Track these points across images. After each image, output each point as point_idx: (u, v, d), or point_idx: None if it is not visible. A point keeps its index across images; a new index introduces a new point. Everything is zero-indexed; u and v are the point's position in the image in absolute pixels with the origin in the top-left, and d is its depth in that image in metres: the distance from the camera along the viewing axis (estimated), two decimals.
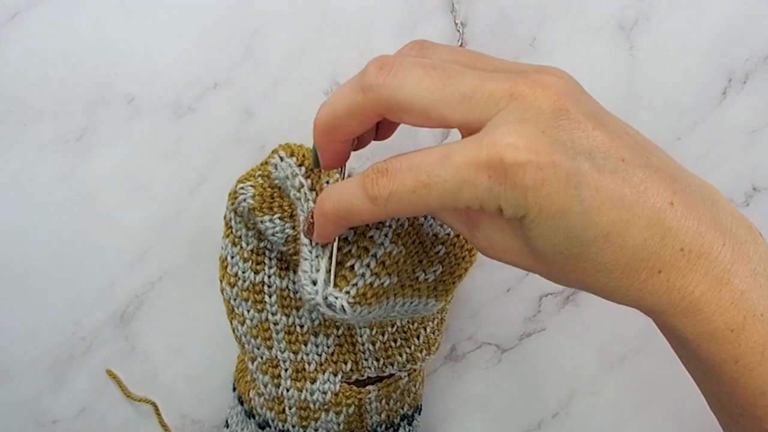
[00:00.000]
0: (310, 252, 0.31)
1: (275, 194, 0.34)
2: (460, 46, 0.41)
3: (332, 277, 0.30)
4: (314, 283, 0.30)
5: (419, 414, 0.42)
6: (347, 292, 0.30)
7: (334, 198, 0.25)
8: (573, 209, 0.22)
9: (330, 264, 0.30)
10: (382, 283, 0.31)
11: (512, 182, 0.21)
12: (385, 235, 0.32)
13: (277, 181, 0.34)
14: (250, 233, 0.36)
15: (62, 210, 0.42)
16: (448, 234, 0.35)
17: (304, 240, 0.31)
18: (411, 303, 0.34)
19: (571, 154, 0.21)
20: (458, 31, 0.41)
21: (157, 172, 0.42)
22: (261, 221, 0.34)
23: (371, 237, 0.31)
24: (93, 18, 0.40)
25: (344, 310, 0.30)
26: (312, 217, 0.28)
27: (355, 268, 0.30)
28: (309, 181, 0.33)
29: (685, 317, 0.23)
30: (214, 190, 0.41)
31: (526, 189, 0.21)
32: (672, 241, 0.22)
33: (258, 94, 0.41)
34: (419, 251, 0.34)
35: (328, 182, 0.33)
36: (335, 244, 0.30)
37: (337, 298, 0.30)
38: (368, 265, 0.31)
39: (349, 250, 0.31)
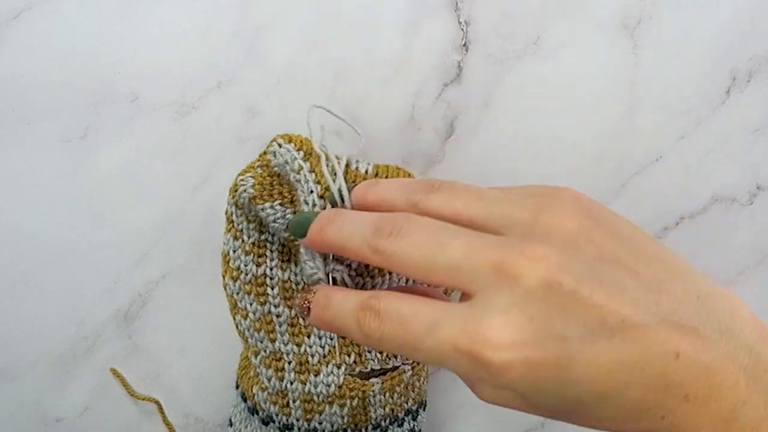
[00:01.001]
0: None
1: (274, 182, 0.35)
2: (464, 45, 0.41)
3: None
4: (313, 259, 0.31)
5: (424, 410, 0.42)
6: (348, 266, 0.30)
7: (332, 314, 0.26)
8: (565, 384, 0.21)
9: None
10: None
11: (495, 375, 0.21)
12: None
13: (276, 169, 0.35)
14: (251, 226, 0.36)
15: (65, 209, 0.42)
16: None
17: None
18: (407, 283, 0.34)
19: (562, 336, 0.21)
20: (462, 30, 0.41)
21: (161, 170, 0.42)
22: (262, 209, 0.34)
23: None
24: (96, 17, 0.40)
25: (345, 283, 0.30)
26: (309, 303, 0.28)
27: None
28: (308, 163, 0.33)
29: None
30: (218, 189, 0.41)
31: (512, 381, 0.21)
32: (676, 390, 0.22)
33: (261, 93, 0.41)
34: None
35: (327, 166, 0.33)
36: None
37: (338, 270, 0.30)
38: None
39: None
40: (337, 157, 0.35)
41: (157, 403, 0.44)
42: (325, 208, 0.31)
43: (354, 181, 0.34)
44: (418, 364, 0.40)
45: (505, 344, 0.21)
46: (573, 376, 0.21)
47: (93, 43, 0.40)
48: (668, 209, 0.44)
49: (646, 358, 0.21)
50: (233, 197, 0.36)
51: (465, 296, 0.23)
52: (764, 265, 0.45)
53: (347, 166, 0.34)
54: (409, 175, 0.36)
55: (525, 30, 0.41)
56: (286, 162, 0.33)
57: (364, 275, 0.31)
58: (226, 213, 0.37)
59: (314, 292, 0.28)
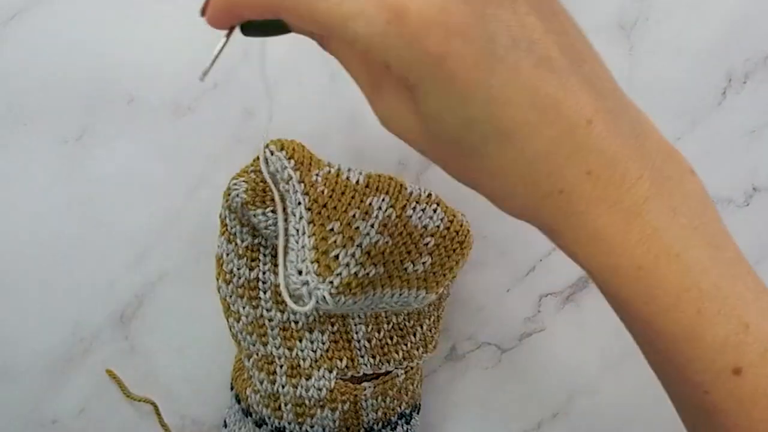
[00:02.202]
0: (297, 242, 0.31)
1: (267, 188, 0.35)
2: None
3: (209, 66, 0.26)
4: (300, 272, 0.30)
5: (418, 413, 0.42)
6: (330, 282, 0.30)
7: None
8: (477, 95, 0.19)
9: (327, 263, 0.30)
10: (368, 274, 0.31)
11: (410, 39, 0.18)
12: (371, 226, 0.32)
13: (269, 175, 0.35)
14: (244, 230, 0.36)
15: (62, 210, 0.42)
16: (438, 226, 0.35)
17: (292, 231, 0.32)
18: (400, 294, 0.34)
19: (491, 33, 0.18)
20: None
21: (157, 172, 0.42)
22: (254, 215, 0.34)
23: (357, 227, 0.32)
24: (93, 18, 0.40)
25: (326, 300, 0.30)
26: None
27: (340, 258, 0.31)
28: (298, 173, 0.33)
29: (586, 246, 0.21)
30: (214, 190, 0.41)
31: (425, 53, 0.18)
32: (579, 161, 0.20)
33: (257, 94, 0.41)
34: (407, 242, 0.34)
35: (317, 174, 0.33)
36: (223, 41, 0.27)
37: (318, 288, 0.30)
38: (353, 255, 0.31)
39: (334, 241, 0.31)
40: (329, 165, 0.35)
41: (153, 404, 0.44)
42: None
43: (344, 192, 0.34)
44: (412, 368, 0.40)
45: (435, 3, 0.18)
46: (486, 90, 0.19)
47: (90, 44, 0.40)
48: None
49: (560, 108, 0.19)
50: (227, 201, 0.36)
51: None
52: (761, 266, 0.45)
53: (338, 174, 0.34)
54: (401, 184, 0.36)
55: None
56: (277, 170, 0.33)
57: (345, 293, 0.31)
58: (220, 216, 0.37)
59: None
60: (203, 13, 0.24)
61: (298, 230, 0.32)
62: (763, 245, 0.45)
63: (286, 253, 0.36)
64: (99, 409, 0.44)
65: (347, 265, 0.31)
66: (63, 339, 0.43)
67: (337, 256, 0.31)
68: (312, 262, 0.31)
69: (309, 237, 0.31)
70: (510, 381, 0.46)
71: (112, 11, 0.39)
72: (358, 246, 0.31)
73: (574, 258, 0.22)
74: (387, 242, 0.32)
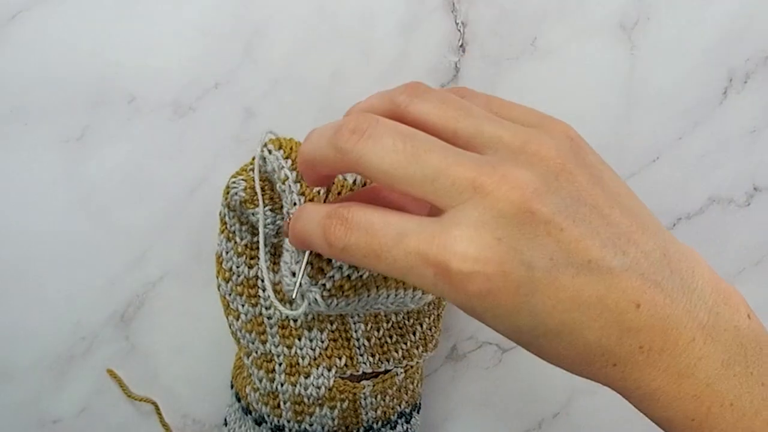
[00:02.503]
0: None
1: (265, 187, 0.35)
2: (461, 46, 0.41)
3: (299, 277, 0.29)
4: (293, 274, 0.30)
5: (418, 412, 0.42)
6: (323, 285, 0.30)
7: (302, 224, 0.26)
8: (522, 312, 0.21)
9: (305, 261, 0.30)
10: (361, 276, 0.31)
11: (457, 288, 0.21)
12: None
13: (266, 174, 0.35)
14: (243, 228, 0.36)
15: (62, 209, 0.42)
16: None
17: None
18: (396, 295, 0.34)
19: (527, 263, 0.21)
20: (459, 30, 0.41)
21: (158, 171, 0.42)
22: (252, 213, 0.34)
23: None
24: (94, 18, 0.40)
25: (317, 302, 0.30)
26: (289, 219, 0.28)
27: (333, 260, 0.30)
28: (294, 173, 0.33)
29: (640, 402, 0.23)
30: (215, 190, 0.41)
31: (471, 296, 0.21)
32: (630, 340, 0.22)
33: (259, 94, 0.41)
34: None
35: None
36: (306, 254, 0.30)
37: (310, 291, 0.30)
38: None
39: None
40: None
41: (154, 404, 0.44)
42: None
43: (340, 192, 0.33)
44: (412, 367, 0.40)
45: (471, 257, 0.21)
46: (531, 307, 0.21)
47: (90, 43, 0.40)
48: (665, 210, 0.44)
49: (605, 302, 0.21)
50: (226, 199, 0.36)
51: (435, 211, 0.22)
52: (761, 265, 0.45)
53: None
54: None
55: (522, 31, 0.41)
56: (274, 170, 0.33)
57: (338, 296, 0.31)
58: (219, 214, 0.37)
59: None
60: (285, 234, 0.28)
61: None
62: (763, 245, 0.45)
63: (276, 259, 0.36)
64: (100, 409, 0.44)
65: (340, 267, 0.31)
66: (64, 338, 0.43)
67: (330, 259, 0.31)
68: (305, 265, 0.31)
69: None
70: (511, 381, 0.46)
71: (114, 11, 0.39)
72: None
73: (628, 401, 0.24)
74: None
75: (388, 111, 0.25)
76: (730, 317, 0.23)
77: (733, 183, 0.44)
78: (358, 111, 0.26)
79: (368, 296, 0.32)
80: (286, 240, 0.31)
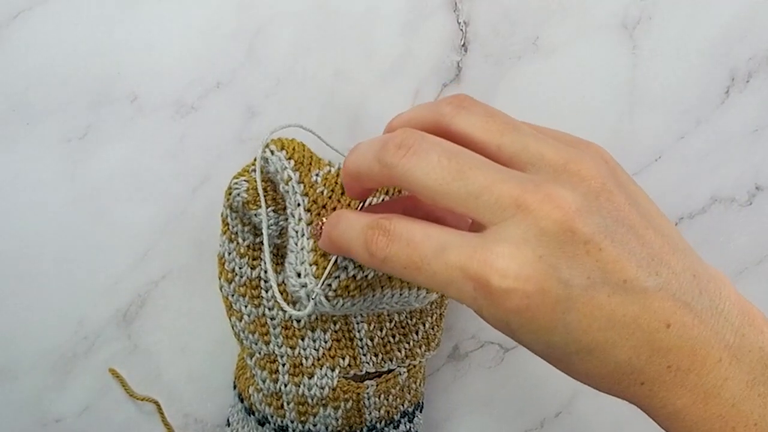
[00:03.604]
0: (296, 244, 0.31)
1: (268, 188, 0.35)
2: (463, 45, 0.41)
3: (324, 277, 0.30)
4: (299, 275, 0.30)
5: (420, 411, 0.42)
6: (328, 285, 0.30)
7: (340, 231, 0.26)
8: (557, 329, 0.22)
9: (326, 265, 0.31)
10: (366, 276, 0.31)
11: (496, 303, 0.22)
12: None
13: (269, 175, 0.35)
14: (246, 229, 0.36)
15: (65, 209, 0.42)
16: None
17: (291, 232, 0.32)
18: (401, 294, 0.34)
19: (565, 281, 0.21)
20: (461, 30, 0.41)
21: (160, 171, 0.42)
22: (255, 214, 0.34)
23: None
24: (96, 17, 0.40)
25: (323, 303, 0.30)
26: (321, 227, 0.28)
27: (338, 260, 0.31)
28: (297, 174, 0.33)
29: (666, 420, 0.23)
30: (218, 190, 0.41)
31: (509, 312, 0.22)
32: (659, 359, 0.22)
33: (261, 93, 0.41)
34: None
35: (317, 175, 0.33)
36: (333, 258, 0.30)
37: (313, 286, 0.30)
38: (351, 258, 0.31)
39: None
40: (329, 164, 0.35)
41: (156, 403, 0.44)
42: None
43: (343, 192, 0.33)
44: (415, 367, 0.40)
45: (511, 273, 0.21)
46: (566, 324, 0.22)
47: (93, 43, 0.40)
48: (667, 209, 0.44)
49: (638, 322, 0.22)
50: (228, 201, 0.36)
51: (477, 226, 0.23)
52: (763, 265, 0.45)
53: (337, 174, 0.34)
54: None
55: (524, 30, 0.41)
56: (277, 171, 0.33)
57: (343, 296, 0.31)
58: (221, 215, 0.37)
59: (327, 218, 0.27)
60: (315, 237, 0.29)
61: (297, 232, 0.32)
62: (766, 244, 0.45)
63: (279, 260, 0.36)
64: (102, 408, 0.44)
65: (345, 268, 0.31)
66: (66, 338, 0.43)
67: (336, 259, 0.31)
68: (311, 264, 0.31)
69: (308, 239, 0.31)
70: (513, 380, 0.46)
71: (116, 10, 0.39)
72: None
73: (653, 419, 0.24)
74: None
75: (432, 122, 0.25)
76: (755, 338, 0.23)
77: (735, 182, 0.44)
78: (402, 122, 0.27)
79: (373, 296, 0.32)
80: (291, 241, 0.31)
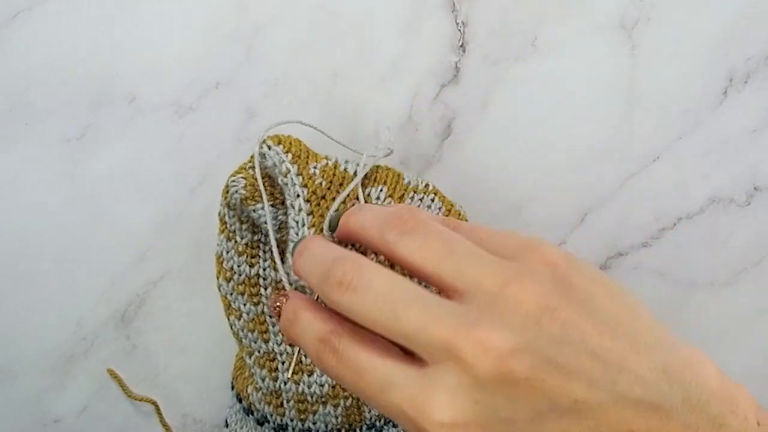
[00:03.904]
0: (297, 234, 0.31)
1: (266, 183, 0.35)
2: (461, 46, 0.41)
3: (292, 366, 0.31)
4: None
5: None
6: None
7: (296, 333, 0.26)
8: None
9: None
10: None
11: None
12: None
13: (266, 170, 0.35)
14: (243, 227, 0.37)
15: (64, 209, 0.42)
16: (437, 215, 0.35)
17: (292, 223, 0.32)
18: None
19: (508, 419, 0.21)
20: (459, 30, 0.41)
21: (159, 171, 0.42)
22: (253, 210, 0.35)
23: None
24: (95, 17, 0.40)
25: None
26: (279, 308, 0.28)
27: None
28: (295, 166, 0.33)
29: None
30: (216, 190, 0.41)
31: None
32: None
33: (260, 93, 0.41)
34: None
35: (315, 167, 0.33)
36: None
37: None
38: (353, 244, 0.31)
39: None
40: (326, 158, 0.35)
41: (154, 403, 0.44)
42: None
43: (342, 183, 0.34)
44: None
45: (447, 423, 0.21)
46: None
47: (92, 43, 0.40)
48: (666, 210, 0.44)
49: None
50: (225, 198, 0.36)
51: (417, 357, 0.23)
52: (761, 265, 0.45)
53: (335, 167, 0.35)
54: (399, 175, 0.36)
55: (522, 31, 0.41)
56: (275, 164, 0.34)
57: None
58: (219, 214, 0.37)
59: (286, 300, 0.27)
60: (272, 313, 0.29)
61: (297, 222, 0.32)
62: (764, 245, 0.45)
63: (283, 250, 0.37)
64: (100, 409, 0.44)
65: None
66: (64, 338, 0.43)
67: None
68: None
69: (309, 228, 0.31)
70: None
71: (115, 10, 0.40)
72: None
73: None
74: None
75: (378, 247, 0.25)
76: (738, 427, 0.23)
77: (733, 183, 0.44)
78: (354, 228, 0.27)
79: None
80: (291, 231, 0.32)
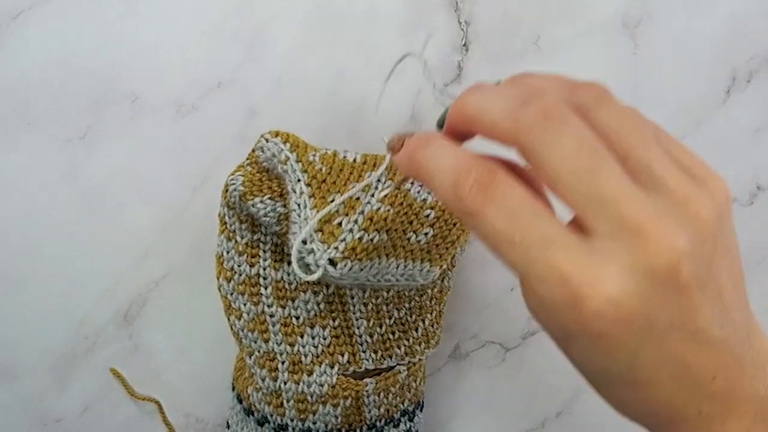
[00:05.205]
0: (299, 215, 0.32)
1: (264, 177, 0.35)
2: (464, 45, 0.41)
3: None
4: (305, 242, 0.31)
5: (421, 411, 0.42)
6: (336, 248, 0.31)
7: (429, 154, 0.23)
8: (621, 360, 0.22)
9: (331, 230, 0.31)
10: (372, 239, 0.32)
11: (579, 319, 0.21)
12: (371, 196, 0.33)
13: (265, 164, 0.35)
14: (243, 226, 0.37)
15: (66, 208, 0.42)
16: (437, 200, 0.35)
17: (294, 206, 0.32)
18: (405, 266, 0.35)
19: (652, 319, 0.21)
20: (462, 30, 0.41)
21: (161, 170, 0.42)
22: (252, 204, 0.35)
23: (357, 198, 0.33)
24: (96, 17, 0.40)
25: (333, 263, 0.31)
26: (401, 144, 0.26)
27: (343, 224, 0.31)
28: (294, 154, 0.33)
29: None
30: (218, 189, 0.41)
31: (585, 331, 0.21)
32: (694, 405, 0.23)
33: (261, 93, 0.41)
34: (408, 213, 0.34)
35: (314, 155, 0.34)
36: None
37: (322, 251, 0.30)
38: (356, 221, 0.32)
39: (336, 210, 0.32)
40: (325, 149, 0.35)
41: (157, 403, 0.44)
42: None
43: (342, 169, 0.34)
44: (414, 365, 0.40)
45: (614, 297, 0.20)
46: (632, 357, 0.22)
47: (93, 43, 0.40)
48: None
49: (691, 368, 0.22)
50: (225, 198, 0.36)
51: (579, 226, 0.22)
52: (764, 264, 0.45)
53: (335, 155, 0.35)
54: None
55: (525, 30, 0.41)
56: (274, 155, 0.34)
57: (351, 258, 0.31)
58: (219, 215, 0.37)
59: (414, 134, 0.25)
60: (392, 150, 0.26)
61: (299, 204, 0.32)
62: (767, 244, 0.45)
63: (277, 257, 0.37)
64: (103, 408, 0.44)
65: (351, 230, 0.31)
66: (67, 337, 0.43)
67: (340, 223, 0.31)
68: (316, 231, 0.31)
69: (311, 209, 0.32)
70: (514, 380, 0.46)
71: (116, 10, 0.39)
72: (360, 213, 0.32)
73: None
74: (388, 211, 0.33)
75: (572, 101, 0.23)
76: None
77: (736, 182, 0.44)
78: (540, 80, 0.25)
79: (379, 263, 0.33)
80: (293, 214, 0.32)
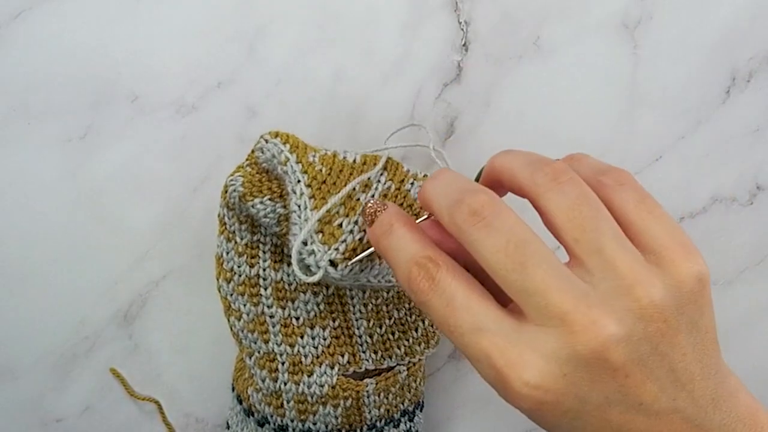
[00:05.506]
0: (300, 217, 0.32)
1: (263, 178, 0.35)
2: (464, 45, 0.41)
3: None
4: (305, 243, 0.31)
5: (421, 411, 0.42)
6: (336, 249, 0.31)
7: (389, 246, 0.26)
8: (562, 425, 0.23)
9: (332, 231, 0.31)
10: None
11: (510, 398, 0.23)
12: (371, 197, 0.33)
13: (264, 165, 0.35)
14: (243, 227, 0.37)
15: (66, 209, 0.42)
16: None
17: (294, 207, 0.32)
18: None
19: (582, 398, 0.22)
20: (462, 30, 0.41)
21: (161, 171, 0.42)
22: (252, 205, 0.35)
23: (357, 199, 0.33)
24: (96, 17, 0.40)
25: (333, 265, 0.31)
26: (374, 214, 0.28)
27: (343, 225, 0.31)
28: (294, 155, 0.33)
29: None
30: (218, 189, 0.41)
31: (520, 406, 0.23)
32: None
33: (261, 93, 0.41)
34: (408, 213, 0.34)
35: (314, 156, 0.34)
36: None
37: (322, 252, 0.30)
38: (356, 222, 0.32)
39: (337, 211, 0.32)
40: (325, 150, 0.35)
41: (157, 403, 0.44)
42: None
43: (341, 170, 0.34)
44: (414, 365, 0.40)
45: (532, 383, 0.22)
46: (572, 427, 0.23)
47: (93, 42, 0.40)
48: (668, 209, 0.43)
49: None
50: (224, 199, 0.36)
51: (515, 306, 0.23)
52: (764, 264, 0.45)
53: (335, 155, 0.35)
54: (398, 163, 0.36)
55: (525, 30, 0.41)
56: (273, 155, 0.34)
57: (351, 258, 0.32)
58: (218, 215, 0.37)
59: (386, 209, 0.27)
60: (366, 221, 0.29)
61: (299, 206, 0.32)
62: (766, 244, 0.45)
63: (277, 257, 0.37)
64: (103, 408, 0.44)
65: (351, 231, 0.31)
66: (67, 337, 0.43)
67: (340, 224, 0.31)
68: (316, 232, 0.31)
69: (311, 210, 0.32)
70: None
71: (117, 10, 0.39)
72: (360, 214, 0.32)
73: None
74: None
75: (523, 189, 0.25)
76: None
77: (736, 182, 0.44)
78: (501, 165, 0.26)
79: (380, 264, 0.33)
80: (294, 215, 0.32)
